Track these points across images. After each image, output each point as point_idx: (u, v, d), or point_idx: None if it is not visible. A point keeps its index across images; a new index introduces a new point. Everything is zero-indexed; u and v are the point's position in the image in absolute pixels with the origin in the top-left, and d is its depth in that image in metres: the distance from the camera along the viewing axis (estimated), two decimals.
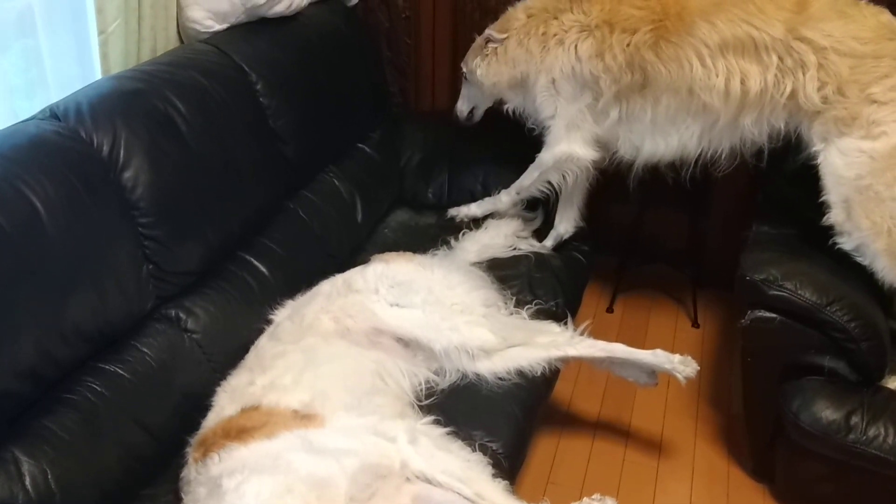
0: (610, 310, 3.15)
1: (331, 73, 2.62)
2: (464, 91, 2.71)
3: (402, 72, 3.21)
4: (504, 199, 2.71)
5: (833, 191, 2.12)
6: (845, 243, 2.12)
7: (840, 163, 2.10)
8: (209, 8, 2.33)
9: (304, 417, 1.67)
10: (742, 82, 2.19)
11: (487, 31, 2.51)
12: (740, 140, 2.30)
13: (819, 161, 2.15)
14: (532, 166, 2.60)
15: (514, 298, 2.32)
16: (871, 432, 1.97)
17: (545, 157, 2.54)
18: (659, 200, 2.99)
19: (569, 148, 2.47)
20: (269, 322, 2.06)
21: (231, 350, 1.98)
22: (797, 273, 2.06)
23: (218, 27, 2.37)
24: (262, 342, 1.99)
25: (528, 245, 2.70)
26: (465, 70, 2.65)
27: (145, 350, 1.84)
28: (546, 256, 2.65)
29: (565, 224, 2.72)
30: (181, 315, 1.95)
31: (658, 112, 2.33)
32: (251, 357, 1.94)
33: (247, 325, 2.04)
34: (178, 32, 2.38)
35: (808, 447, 2.07)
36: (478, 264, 2.50)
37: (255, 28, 2.41)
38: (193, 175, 1.99)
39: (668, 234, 3.16)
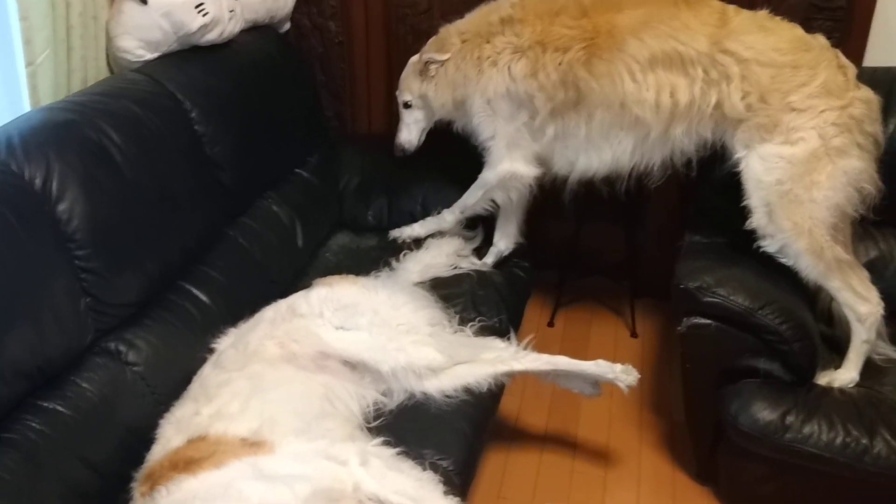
0: (551, 324, 3.20)
1: (265, 99, 2.62)
2: (407, 120, 2.68)
3: (338, 96, 3.23)
4: (448, 218, 2.74)
5: (755, 195, 2.21)
6: (769, 245, 2.21)
7: (761, 168, 2.20)
8: (140, 37, 2.31)
9: (253, 445, 1.66)
10: (671, 95, 2.27)
11: (426, 54, 2.54)
12: (671, 151, 2.38)
13: (741, 168, 2.24)
14: (475, 185, 2.63)
15: (458, 316, 2.34)
16: (807, 430, 2.04)
17: (488, 176, 2.58)
18: (596, 215, 3.06)
19: (511, 166, 2.52)
20: (212, 351, 2.04)
21: (174, 381, 1.95)
22: (729, 279, 2.14)
23: (149, 56, 2.35)
24: (206, 371, 1.96)
25: (470, 263, 2.73)
26: (406, 98, 2.64)
27: (86, 385, 1.80)
28: (487, 274, 2.68)
29: (505, 241, 2.76)
30: (122, 348, 1.91)
31: (592, 127, 2.40)
32: (195, 387, 1.92)
33: (189, 354, 2.02)
34: (109, 63, 2.36)
35: (748, 448, 2.13)
36: (421, 284, 2.52)
37: (187, 56, 2.40)
38: (130, 205, 1.96)
39: (606, 247, 3.23)
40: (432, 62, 2.52)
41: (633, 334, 3.13)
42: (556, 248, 3.20)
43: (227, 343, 2.05)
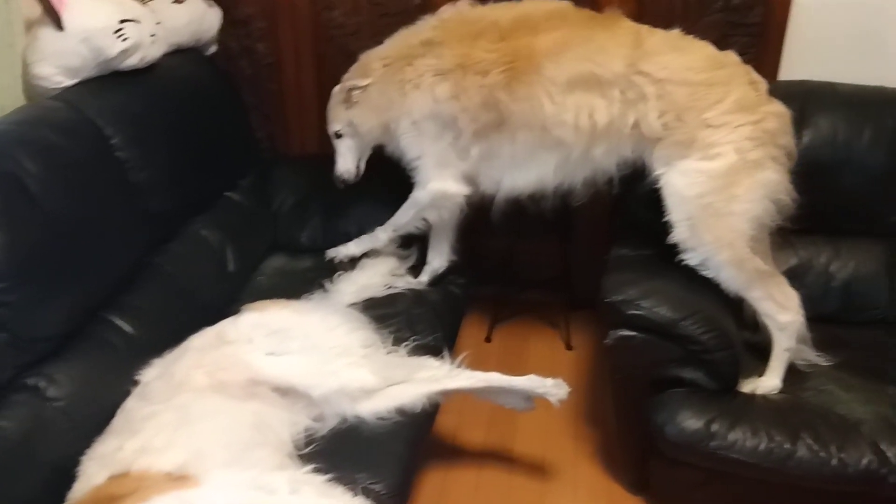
0: (489, 339, 3.22)
1: (192, 122, 2.59)
2: (341, 150, 2.67)
3: (269, 117, 3.21)
4: (381, 236, 2.73)
5: (676, 210, 2.26)
6: (691, 258, 2.26)
7: (682, 183, 2.25)
8: (58, 64, 2.26)
9: (178, 479, 1.62)
10: (590, 116, 2.31)
11: (348, 82, 2.54)
12: (593, 170, 2.42)
13: (662, 184, 2.29)
14: (407, 204, 2.64)
15: (393, 336, 2.34)
16: (732, 437, 2.08)
17: (419, 195, 2.58)
18: (530, 230, 3.09)
19: (441, 185, 2.53)
20: (136, 383, 2.00)
21: (98, 416, 1.90)
22: (654, 292, 2.18)
23: (68, 83, 2.30)
24: (131, 404, 1.92)
25: (405, 282, 2.74)
26: (335, 129, 2.64)
27: (4, 423, 1.74)
28: (423, 292, 2.69)
29: (439, 259, 2.77)
30: (42, 383, 1.85)
31: (516, 148, 2.43)
32: (119, 421, 1.87)
33: (114, 388, 1.97)
34: (26, 90, 2.30)
35: (676, 457, 2.17)
36: (355, 305, 2.52)
37: (107, 82, 2.35)
38: (48, 236, 1.91)
39: (540, 261, 3.27)
40: (355, 88, 2.52)
41: (569, 347, 3.17)
42: (492, 263, 3.23)
43: (153, 374, 2.01)
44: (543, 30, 2.36)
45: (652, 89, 2.25)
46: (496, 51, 2.36)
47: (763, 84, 2.32)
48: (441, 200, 2.57)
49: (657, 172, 2.30)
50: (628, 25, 2.37)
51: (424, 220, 2.65)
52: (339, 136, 2.65)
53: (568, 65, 2.31)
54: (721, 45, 2.37)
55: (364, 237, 2.78)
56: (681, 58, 2.28)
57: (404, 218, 2.67)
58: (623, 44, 2.30)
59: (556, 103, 2.33)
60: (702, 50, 2.32)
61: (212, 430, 1.81)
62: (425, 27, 2.49)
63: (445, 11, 2.51)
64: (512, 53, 2.34)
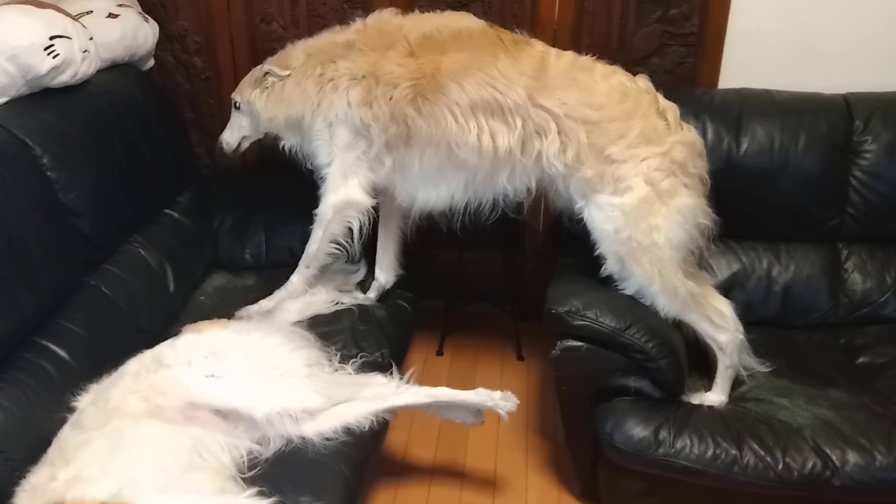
0: (440, 352, 3.20)
1: (127, 139, 2.52)
2: (233, 121, 2.65)
3: (208, 132, 3.16)
4: (295, 280, 2.60)
5: (602, 244, 2.26)
6: (627, 289, 2.27)
7: (600, 217, 2.24)
8: None
9: None
10: (492, 139, 2.28)
11: (267, 65, 2.50)
12: (501, 193, 2.39)
13: (584, 217, 2.28)
14: (314, 228, 2.54)
15: (339, 354, 2.31)
16: (679, 444, 2.09)
17: (323, 209, 2.49)
18: (476, 241, 3.08)
19: (346, 194, 2.45)
20: (71, 410, 1.93)
21: (31, 445, 1.83)
22: (597, 302, 2.19)
23: None
24: (65, 433, 1.85)
25: (352, 298, 2.71)
26: (237, 100, 2.60)
27: None
28: (370, 308, 2.66)
29: (385, 274, 2.75)
30: None
31: (424, 163, 2.39)
32: (53, 450, 1.80)
33: (47, 415, 1.90)
34: None
35: (625, 465, 2.17)
36: (300, 323, 2.48)
37: (37, 100, 2.27)
38: None
39: (488, 272, 3.26)
40: (272, 75, 2.48)
41: (520, 357, 3.17)
42: (441, 276, 3.21)
43: (88, 401, 1.94)
44: (450, 49, 2.31)
45: (552, 124, 2.23)
46: (405, 65, 2.32)
47: (673, 111, 2.29)
48: (346, 211, 2.47)
49: (577, 205, 2.29)
50: (535, 51, 2.32)
51: (333, 240, 2.53)
52: (237, 107, 2.62)
53: (471, 88, 2.27)
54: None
55: (277, 291, 2.63)
56: (580, 93, 2.23)
57: (314, 245, 2.55)
58: (524, 72, 2.26)
59: (460, 123, 2.29)
60: (606, 81, 2.26)
61: (146, 456, 1.75)
62: (351, 29, 2.46)
63: (371, 17, 2.48)
64: (417, 70, 2.31)
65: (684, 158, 2.23)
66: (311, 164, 2.53)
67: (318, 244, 2.54)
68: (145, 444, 1.78)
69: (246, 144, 2.70)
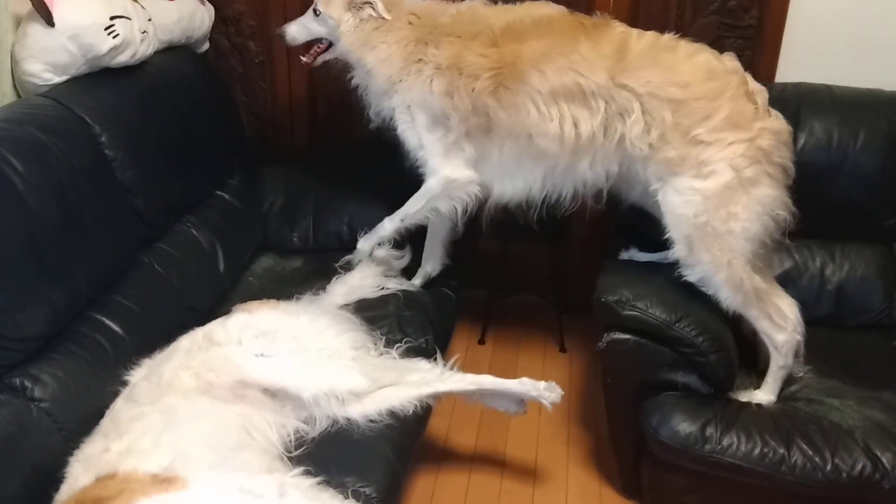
0: (482, 341, 3.20)
1: (182, 121, 2.56)
2: (305, 21, 2.53)
3: (260, 116, 3.19)
4: (388, 226, 2.60)
5: (674, 228, 2.21)
6: (690, 276, 2.22)
7: (678, 201, 2.19)
8: (47, 60, 2.23)
9: (164, 481, 1.59)
10: (575, 126, 2.25)
11: None
12: (581, 182, 2.36)
13: (659, 199, 2.23)
14: (418, 194, 2.51)
15: (384, 338, 2.32)
16: (726, 441, 2.07)
17: (431, 184, 2.47)
18: (521, 232, 3.07)
19: (451, 173, 2.43)
20: (124, 384, 1.97)
21: (84, 416, 1.87)
22: (648, 293, 2.17)
23: (57, 80, 2.27)
24: (118, 405, 1.89)
25: (397, 284, 2.71)
26: (318, 8, 2.47)
27: None
28: (415, 294, 2.67)
29: (432, 263, 2.75)
30: (27, 383, 1.82)
31: (503, 155, 2.38)
32: (106, 422, 1.84)
33: (101, 388, 1.94)
34: (15, 87, 2.27)
35: (669, 460, 2.16)
36: (346, 307, 2.50)
37: (97, 79, 2.32)
38: (34, 235, 1.88)
39: (532, 264, 3.25)
40: (373, 8, 2.40)
41: (562, 349, 3.15)
42: (484, 266, 3.21)
43: (141, 375, 1.98)
44: (530, 37, 2.30)
45: (636, 104, 2.19)
46: (486, 56, 2.31)
47: (762, 94, 2.23)
48: (452, 189, 2.45)
49: (652, 188, 2.25)
50: (616, 33, 2.29)
51: (435, 210, 2.52)
52: (317, 14, 2.50)
53: (552, 74, 2.25)
54: (715, 47, 2.33)
55: (370, 232, 2.66)
56: (664, 71, 2.19)
57: (415, 207, 2.53)
58: (606, 55, 2.23)
59: (541, 112, 2.27)
60: (690, 59, 2.22)
61: (198, 432, 1.78)
62: (450, 11, 2.41)
63: (465, 4, 2.45)
64: (499, 60, 2.29)
65: (770, 147, 2.18)
66: (405, 147, 2.48)
67: (419, 209, 2.52)
68: (197, 421, 1.81)
69: (320, 59, 2.59)
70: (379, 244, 2.66)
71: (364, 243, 2.67)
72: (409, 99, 2.40)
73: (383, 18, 2.40)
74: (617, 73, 2.21)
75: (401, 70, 2.39)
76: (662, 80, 2.19)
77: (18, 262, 1.83)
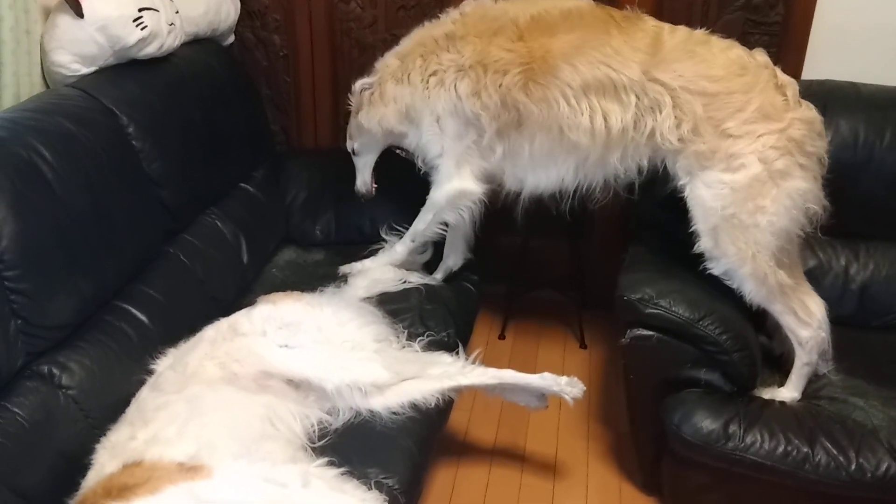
0: (502, 336, 3.20)
1: (207, 113, 2.58)
2: (357, 164, 2.71)
3: (283, 110, 3.21)
4: (399, 249, 2.67)
5: (701, 221, 2.20)
6: (715, 268, 2.21)
7: (706, 195, 2.18)
8: (75, 51, 2.26)
9: (189, 470, 1.61)
10: (605, 120, 2.25)
11: (358, 83, 2.54)
12: (612, 175, 2.36)
13: (686, 193, 2.22)
14: (424, 209, 2.58)
15: (406, 332, 2.32)
16: (749, 439, 2.06)
17: (437, 196, 2.52)
18: (542, 228, 3.07)
19: (460, 184, 2.47)
20: (150, 373, 1.99)
21: (110, 404, 1.90)
22: (671, 291, 2.16)
23: (85, 70, 2.29)
24: (144, 394, 1.91)
25: (419, 277, 2.71)
26: (352, 146, 2.67)
27: (16, 410, 1.74)
28: (436, 288, 2.67)
29: (454, 257, 2.75)
30: (55, 371, 1.85)
31: (535, 148, 2.38)
32: (132, 410, 1.87)
33: (126, 377, 1.97)
34: (44, 77, 2.30)
35: (691, 458, 2.14)
36: (368, 300, 2.50)
37: (124, 70, 2.34)
38: (62, 224, 1.91)
39: (552, 260, 3.24)
40: (365, 88, 2.51)
41: (582, 345, 3.15)
42: (505, 261, 3.21)
43: (166, 364, 2.00)
44: (560, 30, 2.30)
45: (667, 98, 2.18)
46: (514, 50, 2.30)
47: (792, 87, 2.21)
48: (459, 199, 2.50)
49: (681, 182, 2.23)
50: (647, 27, 2.28)
51: (443, 223, 2.57)
52: (355, 153, 2.69)
53: (583, 68, 2.25)
54: (741, 43, 2.32)
55: (381, 253, 2.73)
56: (697, 66, 2.18)
57: (422, 224, 2.60)
58: (639, 49, 2.22)
59: (572, 106, 2.27)
60: (723, 54, 2.21)
61: (223, 422, 1.80)
62: (447, 21, 2.45)
63: (467, 5, 2.46)
64: (528, 54, 2.29)
65: (802, 137, 2.16)
66: (424, 159, 2.54)
67: (427, 224, 2.59)
68: (222, 411, 1.83)
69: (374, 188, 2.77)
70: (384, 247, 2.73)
71: (371, 263, 2.71)
72: (437, 109, 2.41)
73: (377, 81, 2.50)
74: (651, 67, 2.20)
75: (422, 86, 2.42)
76: (696, 73, 2.18)
77: (47, 250, 1.86)
